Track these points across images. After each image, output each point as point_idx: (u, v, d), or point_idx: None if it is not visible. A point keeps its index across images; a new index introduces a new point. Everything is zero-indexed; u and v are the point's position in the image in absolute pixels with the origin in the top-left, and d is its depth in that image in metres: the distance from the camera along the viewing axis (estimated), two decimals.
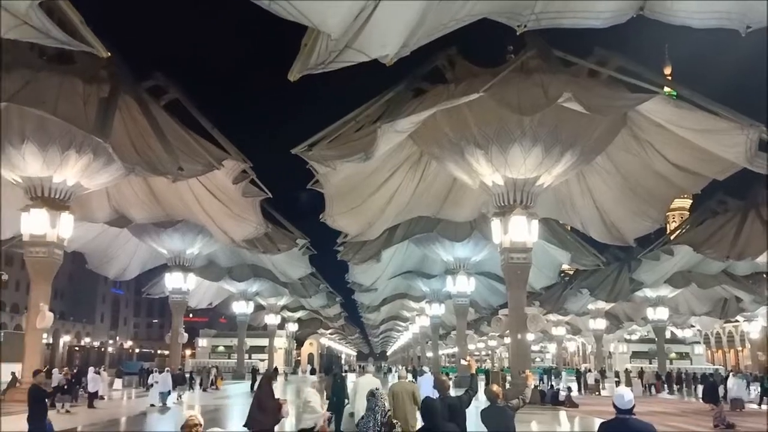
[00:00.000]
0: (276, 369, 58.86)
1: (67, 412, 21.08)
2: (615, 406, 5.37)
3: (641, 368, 53.71)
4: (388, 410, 5.55)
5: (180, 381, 30.66)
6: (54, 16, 12.84)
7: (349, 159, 22.50)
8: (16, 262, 58.28)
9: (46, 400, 11.60)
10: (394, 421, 7.13)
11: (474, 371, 8.00)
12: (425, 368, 29.59)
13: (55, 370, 30.13)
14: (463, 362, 43.01)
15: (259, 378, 40.69)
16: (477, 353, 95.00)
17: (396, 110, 22.72)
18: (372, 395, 7.35)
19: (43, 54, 25.45)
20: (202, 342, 74.70)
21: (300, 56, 12.23)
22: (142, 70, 27.43)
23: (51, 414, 13.04)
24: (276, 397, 9.67)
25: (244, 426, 9.05)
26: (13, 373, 28.15)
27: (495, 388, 7.22)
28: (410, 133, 24.20)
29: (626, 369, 50.87)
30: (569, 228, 37.62)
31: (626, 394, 5.38)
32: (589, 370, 48.59)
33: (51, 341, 61.61)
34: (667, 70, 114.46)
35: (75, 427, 18.07)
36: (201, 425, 3.80)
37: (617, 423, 5.29)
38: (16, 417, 20.05)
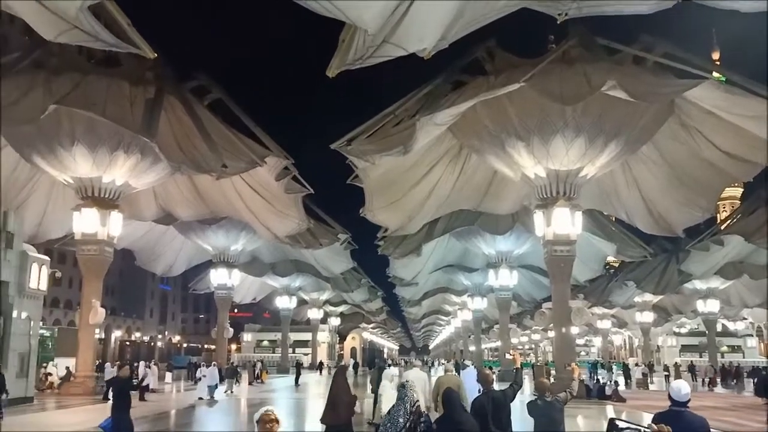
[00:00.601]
0: (356, 363, 60.37)
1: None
2: (671, 398, 5.33)
3: (691, 362, 52.46)
4: (416, 400, 5.65)
5: (232, 374, 31.60)
6: (102, 19, 13.21)
7: (388, 153, 22.53)
8: (68, 260, 60.27)
9: (130, 391, 11.94)
10: (423, 410, 7.15)
11: (519, 365, 7.94)
12: (468, 362, 29.52)
13: (107, 365, 31.13)
14: (507, 356, 42.71)
15: (302, 371, 41.26)
16: (520, 347, 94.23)
17: (435, 104, 22.62)
18: (402, 386, 7.42)
19: (91, 58, 26.21)
20: (247, 336, 76.02)
21: (338, 52, 12.31)
22: (185, 70, 28.05)
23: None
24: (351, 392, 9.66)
25: (321, 421, 9.12)
26: (67, 368, 29.15)
27: (545, 381, 7.26)
28: (449, 126, 24.07)
29: (675, 363, 49.75)
30: (614, 219, 36.86)
31: (683, 387, 5.34)
32: (637, 364, 47.67)
33: (103, 336, 63.49)
34: (715, 56, 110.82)
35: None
36: (278, 422, 3.81)
37: (671, 414, 5.21)
38: (72, 410, 20.85)
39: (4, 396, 18.46)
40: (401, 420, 5.51)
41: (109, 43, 13.67)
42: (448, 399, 6.59)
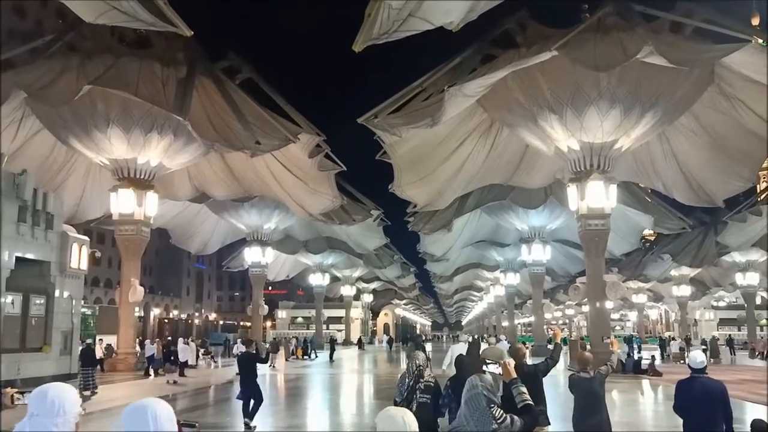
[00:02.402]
0: (391, 338, 62.44)
1: (175, 383, 22.16)
2: (690, 367, 6.14)
3: (729, 335, 51.57)
4: (419, 365, 5.99)
5: (276, 349, 33.37)
6: None
7: (416, 125, 22.35)
8: (107, 240, 61.64)
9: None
10: (428, 375, 7.31)
11: (558, 340, 7.88)
12: (502, 337, 29.54)
13: (147, 342, 31.87)
14: (549, 331, 42.50)
15: (336, 348, 41.79)
16: (554, 322, 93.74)
17: (464, 77, 22.32)
18: (408, 357, 7.91)
19: (122, 40, 26.47)
20: (282, 314, 77.07)
21: (363, 27, 12.19)
22: (216, 50, 28.15)
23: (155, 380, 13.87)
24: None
25: None
26: (109, 345, 29.95)
27: (587, 355, 7.16)
28: (480, 100, 23.76)
29: (713, 336, 48.93)
30: (650, 191, 36.06)
31: (699, 356, 6.18)
32: (673, 339, 47.04)
33: (142, 314, 65.10)
34: (755, 21, 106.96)
35: (168, 394, 19.11)
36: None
37: (691, 381, 6.08)
38: (114, 386, 21.48)
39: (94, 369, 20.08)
40: (407, 380, 6.15)
41: (147, 23, 13.78)
42: (458, 364, 7.48)
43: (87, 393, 19.02)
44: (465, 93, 20.94)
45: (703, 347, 42.19)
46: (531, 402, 4.42)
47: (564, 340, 56.06)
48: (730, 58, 19.92)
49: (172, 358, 23.49)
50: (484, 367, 4.49)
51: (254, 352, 13.69)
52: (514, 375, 4.49)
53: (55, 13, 29.07)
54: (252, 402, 12.01)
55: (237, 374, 13.02)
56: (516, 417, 3.99)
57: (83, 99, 23.18)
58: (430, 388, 5.99)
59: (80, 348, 21.12)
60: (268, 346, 35.08)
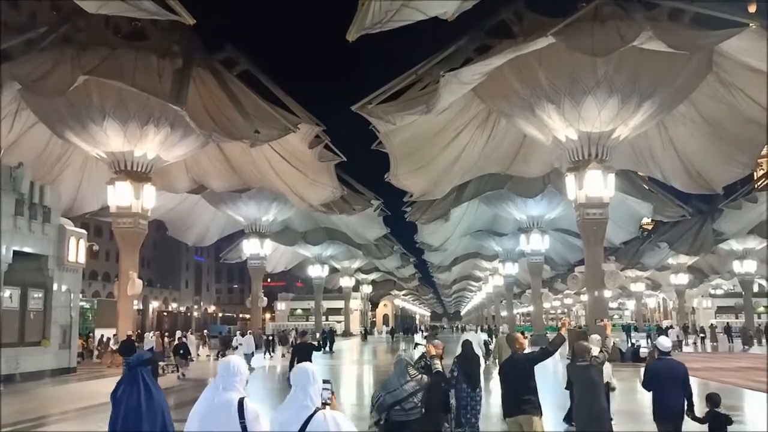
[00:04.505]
0: (392, 329, 65.95)
1: (183, 375, 22.01)
2: (658, 349, 7.28)
3: (727, 323, 51.75)
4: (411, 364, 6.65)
5: (285, 341, 34.80)
6: None
7: (410, 112, 22.28)
8: (105, 233, 61.51)
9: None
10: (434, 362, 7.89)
11: (564, 332, 7.82)
12: (503, 328, 29.74)
13: (146, 334, 31.89)
14: (558, 323, 42.57)
15: (336, 339, 41.91)
16: (552, 311, 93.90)
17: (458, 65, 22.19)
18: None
19: (117, 32, 26.30)
20: (281, 305, 77.17)
21: (357, 16, 12.12)
22: (212, 42, 27.94)
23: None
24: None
25: None
26: (108, 338, 29.98)
27: (585, 344, 7.29)
28: (477, 90, 23.68)
29: (711, 324, 49.12)
30: (648, 178, 36.03)
31: (665, 342, 7.44)
32: (671, 327, 47.16)
33: (141, 307, 65.16)
34: (752, 9, 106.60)
35: (171, 386, 19.12)
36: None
37: (659, 362, 7.22)
38: (114, 379, 21.49)
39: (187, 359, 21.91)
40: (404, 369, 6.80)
41: (150, 12, 13.69)
42: (464, 346, 8.60)
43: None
44: (461, 80, 20.82)
45: (702, 335, 42.38)
46: (441, 370, 7.18)
47: (552, 329, 56.27)
48: (728, 45, 19.84)
49: (182, 351, 23.59)
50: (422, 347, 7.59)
51: (310, 342, 15.00)
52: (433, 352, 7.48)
53: (50, 5, 28.80)
54: None
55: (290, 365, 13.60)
56: (425, 376, 6.31)
57: (79, 92, 23.03)
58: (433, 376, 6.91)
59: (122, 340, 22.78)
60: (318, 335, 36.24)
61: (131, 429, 4.34)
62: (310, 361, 12.92)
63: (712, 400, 6.87)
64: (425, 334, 47.98)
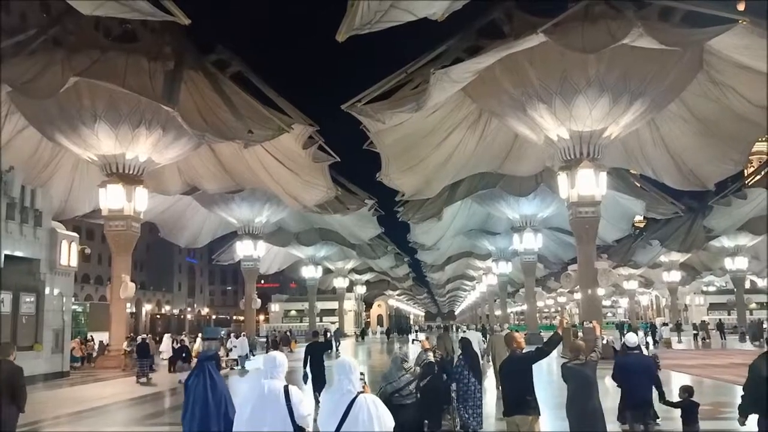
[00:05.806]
0: (388, 329, 67.42)
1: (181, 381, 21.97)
2: (625, 345, 8.47)
3: (719, 320, 52.03)
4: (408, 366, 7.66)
5: (287, 342, 35.89)
6: None
7: (400, 110, 22.26)
8: (97, 237, 61.23)
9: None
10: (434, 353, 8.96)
11: (560, 330, 7.81)
12: (497, 327, 29.80)
13: (139, 337, 31.74)
14: (554, 322, 42.67)
15: (333, 340, 42.06)
16: (546, 310, 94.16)
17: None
18: (439, 338, 10.96)
19: (108, 34, 26.19)
20: (275, 307, 76.96)
21: (346, 17, 12.08)
22: (204, 43, 27.83)
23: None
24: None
25: None
26: (101, 341, 29.82)
27: (580, 343, 7.34)
28: (468, 90, 23.69)
29: (703, 321, 49.34)
30: (640, 176, 36.14)
31: (632, 338, 8.52)
32: (664, 324, 47.38)
33: (134, 310, 64.90)
34: (741, 7, 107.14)
35: (160, 390, 19.05)
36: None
37: (626, 357, 8.21)
38: (106, 383, 21.35)
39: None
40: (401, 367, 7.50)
41: (145, 12, 13.61)
42: (463, 343, 9.70)
43: (143, 380, 20.92)
44: (451, 77, 20.80)
45: (694, 332, 42.56)
46: (432, 361, 8.18)
47: (547, 327, 56.33)
48: (719, 42, 19.92)
49: (183, 355, 23.53)
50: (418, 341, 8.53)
51: (324, 342, 15.23)
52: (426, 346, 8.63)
53: (39, 7, 28.66)
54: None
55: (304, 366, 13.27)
56: (418, 368, 7.49)
57: (69, 94, 22.93)
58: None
59: (136, 343, 24.02)
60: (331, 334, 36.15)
61: (200, 411, 5.65)
62: (323, 360, 13.66)
63: (687, 390, 7.92)
64: (419, 333, 50.63)
